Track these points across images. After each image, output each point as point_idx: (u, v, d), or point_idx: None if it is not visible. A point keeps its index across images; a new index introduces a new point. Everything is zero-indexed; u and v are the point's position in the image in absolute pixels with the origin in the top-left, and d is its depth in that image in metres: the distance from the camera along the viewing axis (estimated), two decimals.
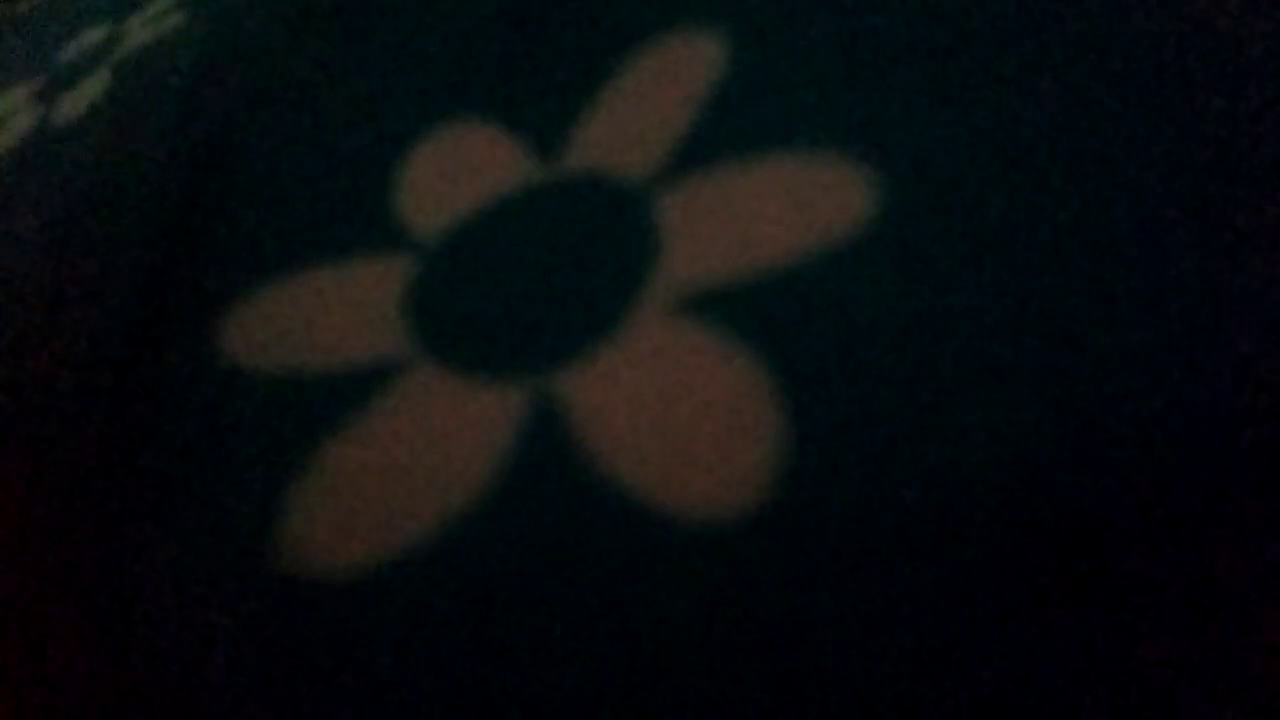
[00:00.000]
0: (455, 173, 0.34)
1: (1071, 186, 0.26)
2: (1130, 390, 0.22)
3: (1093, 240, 0.25)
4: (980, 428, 0.22)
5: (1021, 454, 0.22)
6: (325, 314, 0.32)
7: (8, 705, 0.26)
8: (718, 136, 0.31)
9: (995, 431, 0.22)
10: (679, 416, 0.25)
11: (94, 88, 0.53)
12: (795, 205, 0.28)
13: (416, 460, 0.27)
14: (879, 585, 0.21)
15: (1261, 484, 0.20)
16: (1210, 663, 0.18)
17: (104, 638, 0.27)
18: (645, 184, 0.31)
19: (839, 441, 0.23)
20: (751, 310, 0.26)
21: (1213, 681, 0.18)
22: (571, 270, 0.30)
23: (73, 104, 0.54)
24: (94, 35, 0.63)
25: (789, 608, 0.21)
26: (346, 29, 0.42)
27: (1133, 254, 0.24)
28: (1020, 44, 0.29)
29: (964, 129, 0.28)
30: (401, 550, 0.25)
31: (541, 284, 0.30)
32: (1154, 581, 0.19)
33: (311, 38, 0.42)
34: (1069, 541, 0.20)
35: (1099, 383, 0.22)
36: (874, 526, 0.22)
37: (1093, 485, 0.21)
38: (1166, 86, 0.27)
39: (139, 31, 0.57)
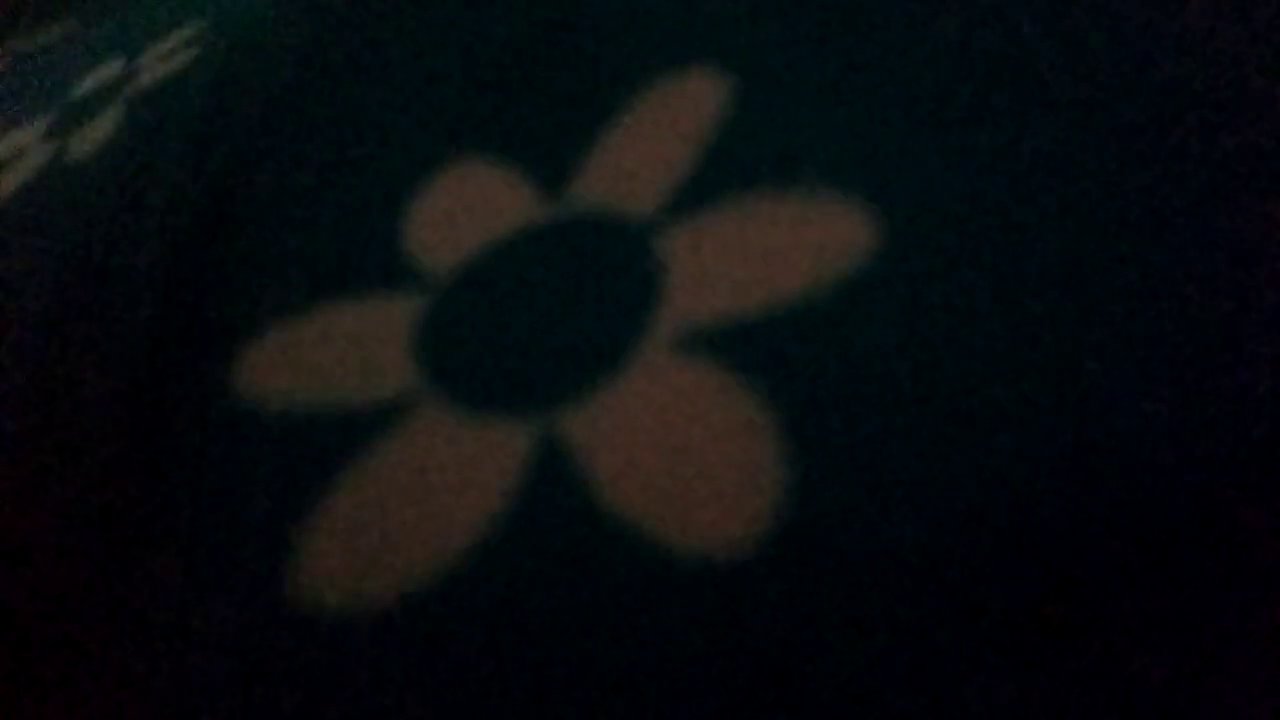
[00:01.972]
0: (463, 211, 0.34)
1: (1072, 223, 0.26)
2: (1133, 434, 0.22)
3: (1096, 277, 0.25)
4: (984, 466, 0.23)
5: (1026, 493, 0.22)
6: (336, 352, 0.32)
7: None
8: (722, 174, 0.31)
9: (999, 470, 0.22)
10: (683, 455, 0.25)
11: (106, 124, 0.54)
12: (798, 243, 0.28)
13: (425, 498, 0.27)
14: (882, 623, 0.21)
15: (1261, 519, 0.20)
16: (1209, 696, 0.18)
17: (115, 675, 0.27)
18: (650, 222, 0.31)
19: (842, 479, 0.24)
20: (755, 348, 0.27)
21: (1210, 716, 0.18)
22: (577, 308, 0.30)
23: (85, 140, 0.54)
24: (108, 71, 0.64)
25: (793, 645, 0.22)
26: (356, 67, 0.42)
27: (1136, 297, 0.24)
28: (1023, 82, 0.29)
29: (966, 167, 0.28)
30: (411, 588, 0.26)
31: (547, 322, 0.30)
32: (1161, 622, 0.20)
33: (322, 77, 0.43)
34: (1073, 581, 0.20)
35: (1102, 424, 0.22)
36: (878, 565, 0.22)
37: (1097, 525, 0.21)
38: (1167, 121, 0.27)
39: (151, 68, 0.58)
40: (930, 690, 0.20)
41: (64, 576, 0.30)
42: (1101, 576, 0.20)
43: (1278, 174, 0.25)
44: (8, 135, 0.64)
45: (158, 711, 0.25)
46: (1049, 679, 0.19)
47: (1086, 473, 0.22)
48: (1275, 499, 0.20)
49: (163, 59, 0.58)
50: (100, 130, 0.54)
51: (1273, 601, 0.19)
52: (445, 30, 0.42)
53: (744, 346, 0.27)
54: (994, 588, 0.21)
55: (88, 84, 0.63)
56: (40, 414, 0.36)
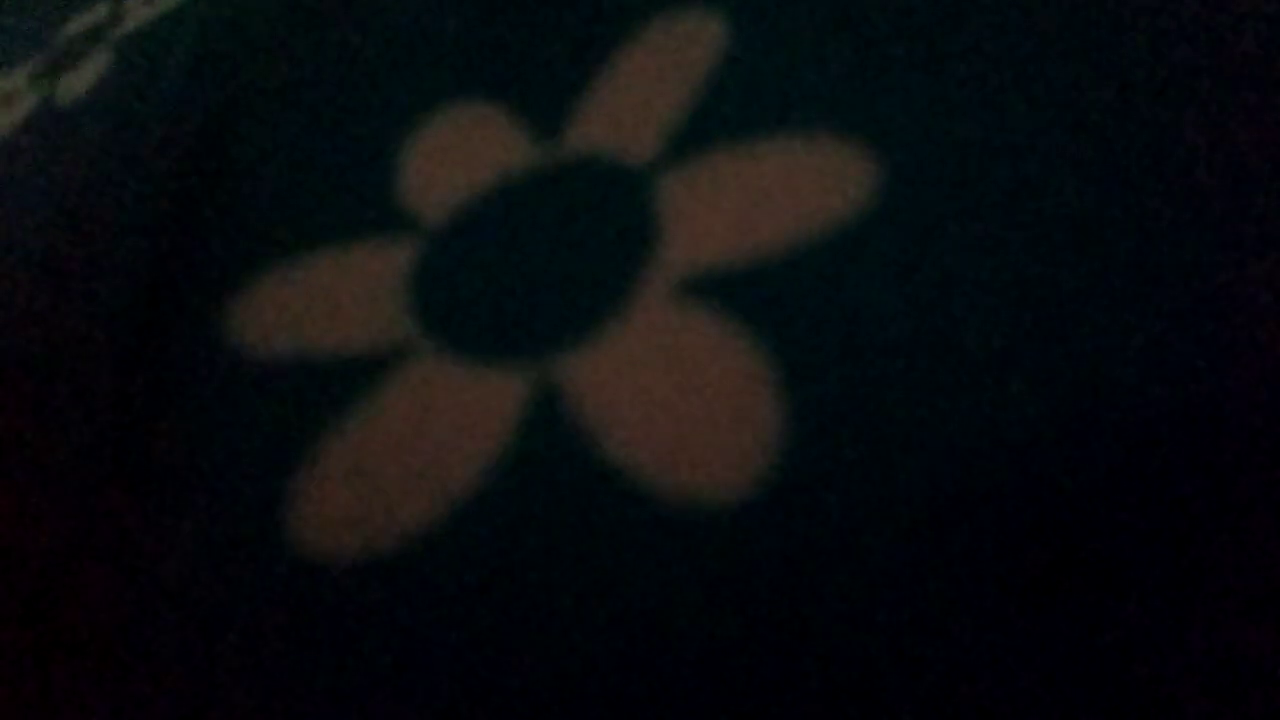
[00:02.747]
0: (457, 154, 0.34)
1: (1073, 170, 0.26)
2: (1132, 380, 0.22)
3: (1095, 226, 0.25)
4: (981, 414, 0.23)
5: (1022, 441, 0.22)
6: (330, 298, 0.32)
7: (23, 688, 0.27)
8: (718, 118, 0.31)
9: (996, 418, 0.22)
10: (680, 401, 0.25)
11: (95, 68, 0.53)
12: (796, 188, 0.28)
13: (422, 444, 0.27)
14: (877, 570, 0.21)
15: (1260, 479, 0.20)
16: (1205, 659, 0.18)
17: (114, 622, 0.27)
18: (646, 166, 0.31)
19: (838, 426, 0.24)
20: (753, 294, 0.26)
21: (1207, 679, 0.18)
22: (573, 253, 0.30)
23: (75, 84, 0.53)
24: (95, 14, 0.63)
25: (788, 591, 0.22)
26: (349, 9, 0.42)
27: (1135, 241, 0.24)
28: (1022, 25, 0.29)
29: (965, 110, 0.28)
30: (408, 533, 0.26)
31: (543, 267, 0.30)
32: (1152, 573, 0.20)
33: (313, 19, 0.42)
34: (1067, 531, 0.20)
35: (1101, 372, 0.22)
36: (873, 511, 0.22)
37: (1092, 475, 0.21)
38: (1170, 72, 0.27)
39: (141, 10, 0.57)
40: (925, 639, 0.20)
41: (58, 525, 0.30)
42: (1099, 529, 0.20)
43: None
44: None
45: (157, 658, 0.26)
46: (1044, 630, 0.19)
47: (1085, 424, 0.22)
48: (1276, 458, 0.20)
49: (150, 2, 0.57)
50: (88, 74, 0.53)
51: (1269, 557, 0.19)
52: None
53: (742, 292, 0.27)
54: (991, 538, 0.21)
55: (74, 27, 0.62)
56: (33, 360, 0.36)
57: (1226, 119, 0.25)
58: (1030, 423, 0.22)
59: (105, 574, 0.28)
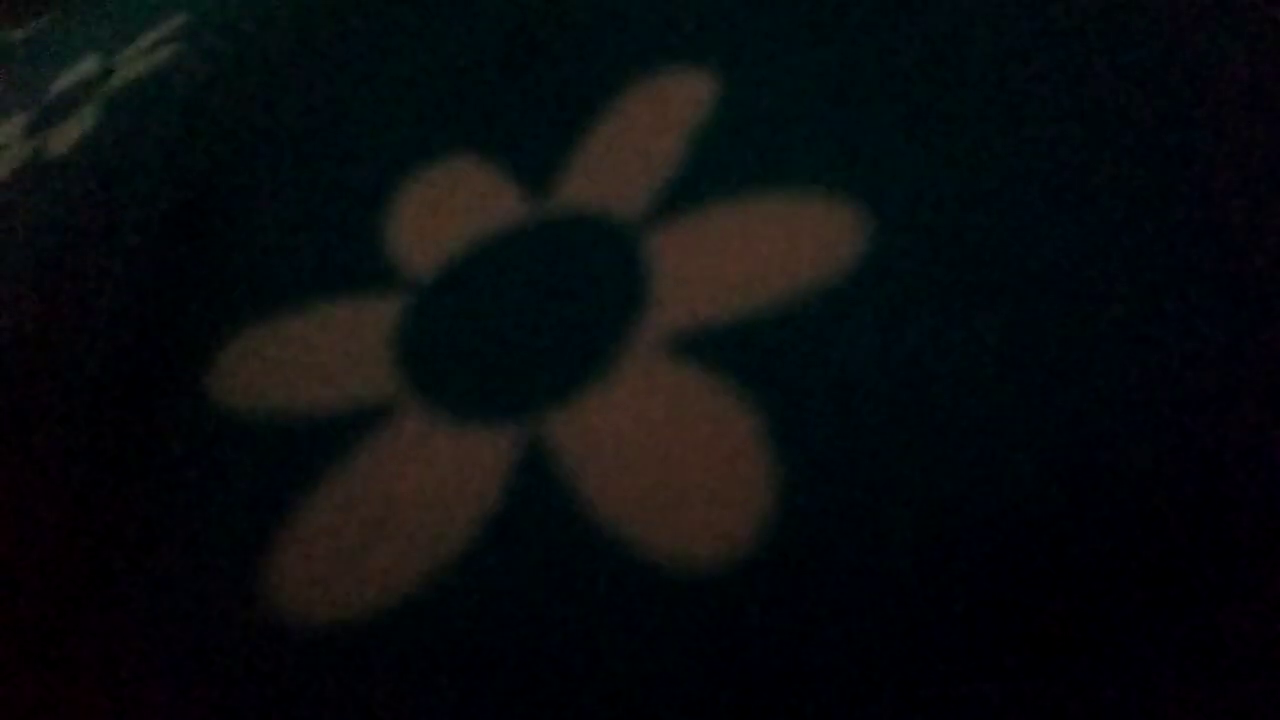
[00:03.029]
0: (446, 210, 0.34)
1: (1062, 226, 0.26)
2: (1124, 436, 0.22)
3: (1083, 281, 0.24)
4: (972, 472, 0.22)
5: (1013, 499, 0.22)
6: (316, 355, 0.31)
7: None
8: (708, 175, 0.31)
9: (987, 476, 0.22)
10: (669, 461, 0.25)
11: (85, 122, 0.53)
12: (785, 245, 0.28)
13: (406, 506, 0.27)
14: (869, 632, 0.21)
15: (1253, 529, 0.20)
16: (1203, 706, 0.18)
17: (88, 683, 0.26)
18: (635, 223, 0.30)
19: (829, 486, 0.23)
20: (742, 352, 0.26)
21: None
22: (561, 311, 0.29)
23: (64, 138, 0.54)
24: (86, 68, 0.63)
25: (779, 656, 0.21)
26: (338, 65, 0.42)
27: (1125, 297, 0.24)
28: (1011, 81, 0.29)
29: (955, 168, 0.28)
30: (390, 597, 0.25)
31: (531, 325, 0.29)
32: (1147, 628, 0.19)
33: (303, 74, 0.42)
34: (1060, 588, 0.20)
35: (1092, 428, 0.22)
36: (864, 573, 0.22)
37: (1085, 532, 0.21)
38: (1159, 125, 0.27)
39: (131, 65, 0.57)
40: (919, 700, 0.20)
41: (36, 585, 0.30)
42: (1091, 585, 0.20)
43: (1276, 174, 0.25)
44: None
45: (130, 715, 0.25)
46: (1039, 687, 0.19)
47: (1078, 480, 0.21)
48: (1271, 502, 0.20)
49: (140, 56, 0.57)
50: (78, 128, 0.53)
51: (1268, 609, 0.19)
52: (429, 28, 0.42)
53: (731, 350, 0.26)
54: (983, 596, 0.21)
55: (66, 81, 0.63)
56: (13, 414, 0.36)
57: (1218, 175, 0.25)
58: (1021, 480, 0.22)
59: (80, 634, 0.28)
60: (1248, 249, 0.24)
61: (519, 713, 0.22)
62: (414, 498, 0.27)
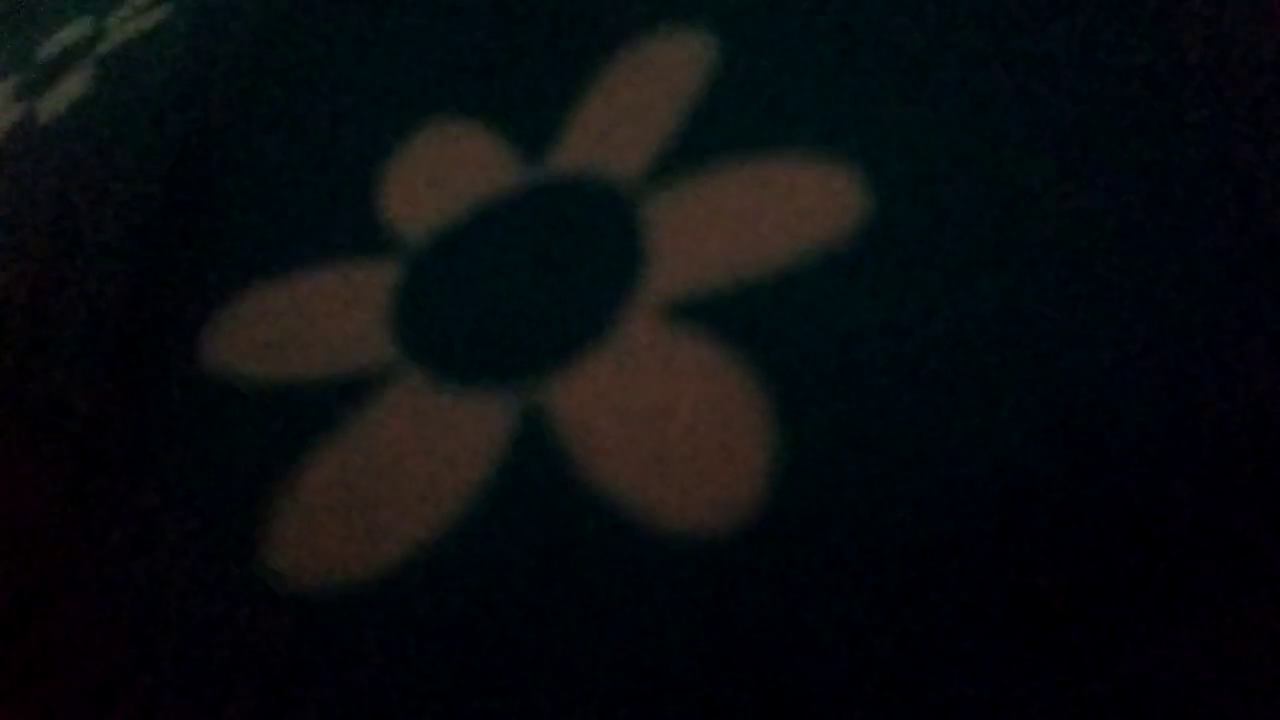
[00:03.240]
0: (441, 174, 0.34)
1: (1067, 189, 0.25)
2: (1132, 410, 0.22)
3: (1091, 249, 0.24)
4: (979, 440, 0.22)
5: (1017, 466, 0.22)
6: (310, 320, 0.31)
7: None
8: (707, 137, 0.30)
9: (994, 444, 0.22)
10: (669, 426, 0.25)
11: (76, 85, 0.53)
12: (786, 209, 0.28)
13: (403, 471, 0.27)
14: (871, 603, 0.21)
15: (1259, 502, 0.19)
16: (1205, 682, 0.18)
17: (85, 654, 0.26)
18: (634, 186, 0.30)
19: (831, 451, 0.23)
20: (741, 317, 0.26)
21: (1208, 702, 0.18)
22: (559, 275, 0.29)
23: (55, 101, 0.53)
24: (77, 30, 0.63)
25: (780, 621, 0.21)
26: (330, 28, 0.41)
27: (1133, 266, 0.24)
28: (1016, 44, 0.29)
29: (958, 132, 0.28)
30: (389, 563, 0.25)
31: (529, 289, 0.29)
32: (1152, 601, 0.19)
33: (295, 36, 0.42)
34: (1065, 565, 0.20)
35: (1100, 401, 0.22)
36: (866, 538, 0.22)
37: (1091, 507, 0.21)
38: (1164, 89, 0.26)
39: (122, 27, 0.57)
40: (919, 671, 0.20)
41: (29, 550, 0.30)
42: (1097, 563, 0.20)
43: None
44: None
45: (129, 687, 0.25)
46: (1042, 664, 0.19)
47: (1086, 451, 0.21)
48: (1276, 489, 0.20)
49: (132, 18, 0.57)
50: (70, 91, 0.53)
51: (1273, 596, 0.19)
52: None
53: (731, 315, 0.26)
54: (987, 568, 0.20)
55: (56, 43, 0.62)
56: (5, 379, 0.36)
57: (1228, 147, 0.25)
58: (1028, 450, 0.22)
59: (77, 603, 0.28)
60: (1259, 220, 0.23)
61: (517, 679, 0.22)
62: (411, 464, 0.27)
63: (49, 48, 0.62)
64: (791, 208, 0.28)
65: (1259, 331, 0.22)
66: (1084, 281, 0.24)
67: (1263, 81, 0.25)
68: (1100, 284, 0.24)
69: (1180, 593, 0.19)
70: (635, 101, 0.32)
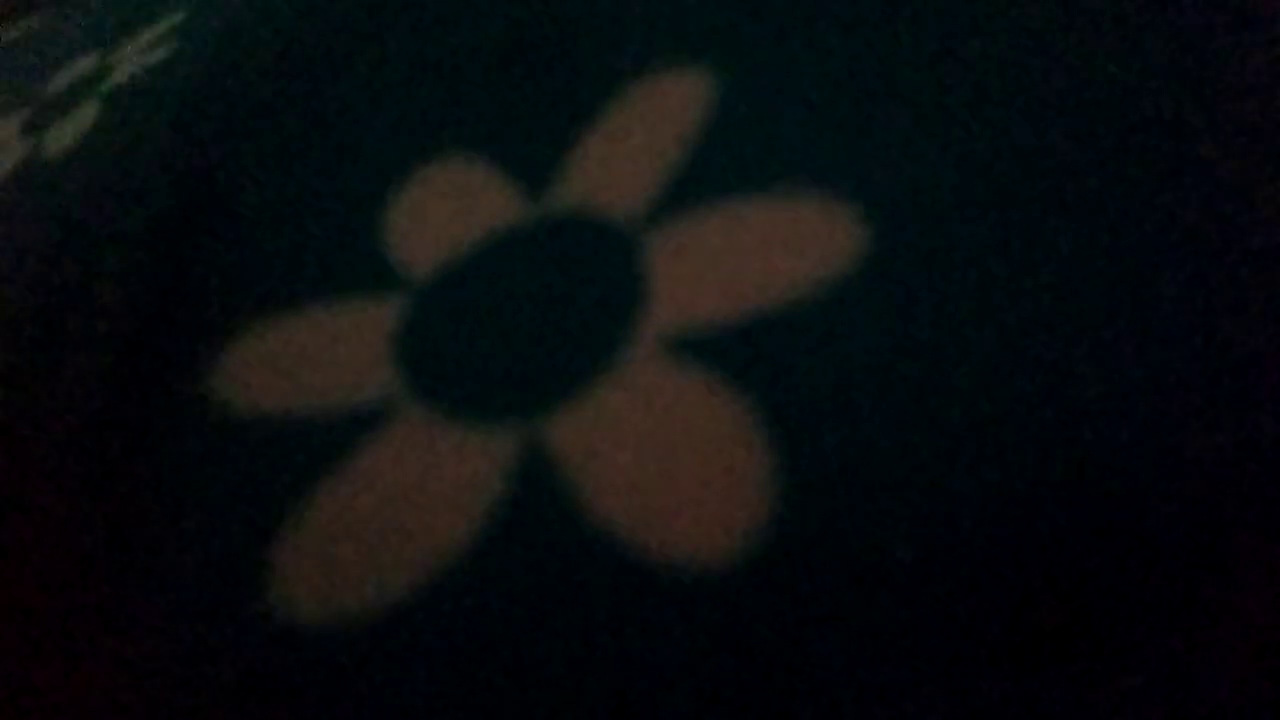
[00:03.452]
0: (445, 210, 0.34)
1: (1065, 227, 0.26)
2: (1130, 442, 0.22)
3: (1088, 282, 0.24)
4: (979, 474, 0.22)
5: (1017, 501, 0.22)
6: (314, 355, 0.31)
7: None
8: (708, 175, 0.31)
9: (994, 478, 0.22)
10: (671, 462, 0.25)
11: (83, 120, 0.53)
12: (786, 246, 0.28)
13: (406, 507, 0.27)
14: (876, 636, 0.21)
15: (1260, 540, 0.20)
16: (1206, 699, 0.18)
17: (86, 689, 0.26)
18: (635, 223, 0.30)
19: (832, 487, 0.23)
20: (742, 353, 0.26)
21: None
22: (561, 311, 0.29)
23: (62, 136, 0.53)
24: (84, 65, 0.63)
25: (783, 656, 0.21)
26: (336, 64, 0.42)
27: (1133, 301, 0.24)
28: (1014, 83, 0.29)
29: (956, 170, 0.28)
30: (392, 599, 0.25)
31: (531, 326, 0.29)
32: (1154, 636, 0.19)
33: (301, 73, 0.42)
34: (1065, 593, 0.20)
35: (1098, 433, 0.22)
36: (869, 574, 0.22)
37: (1090, 535, 0.21)
38: (1165, 127, 0.27)
39: (129, 62, 0.57)
40: (924, 705, 0.20)
41: (36, 584, 0.30)
42: (1098, 587, 0.20)
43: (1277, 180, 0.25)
44: None
45: (133, 717, 0.25)
46: (1045, 691, 0.19)
47: (1084, 484, 0.21)
48: (1275, 507, 0.20)
49: (139, 53, 0.57)
50: (77, 126, 0.53)
51: (1270, 609, 0.19)
52: (429, 26, 0.42)
53: (732, 351, 0.26)
54: (989, 600, 0.21)
55: (64, 78, 0.62)
56: (14, 416, 0.36)
57: (1225, 175, 0.25)
58: (1026, 483, 0.22)
59: (81, 636, 0.28)
60: (1258, 254, 0.24)
61: (520, 715, 0.22)
62: (414, 499, 0.27)
63: (55, 83, 0.63)
64: (792, 244, 0.28)
65: (1261, 361, 0.22)
66: (1087, 316, 0.24)
67: (1272, 119, 0.26)
68: (1103, 319, 0.24)
69: (1184, 623, 0.19)
70: (636, 138, 0.33)
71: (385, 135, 0.38)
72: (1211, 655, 0.18)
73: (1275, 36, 0.27)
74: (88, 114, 0.53)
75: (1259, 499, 0.20)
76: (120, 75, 0.56)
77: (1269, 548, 0.19)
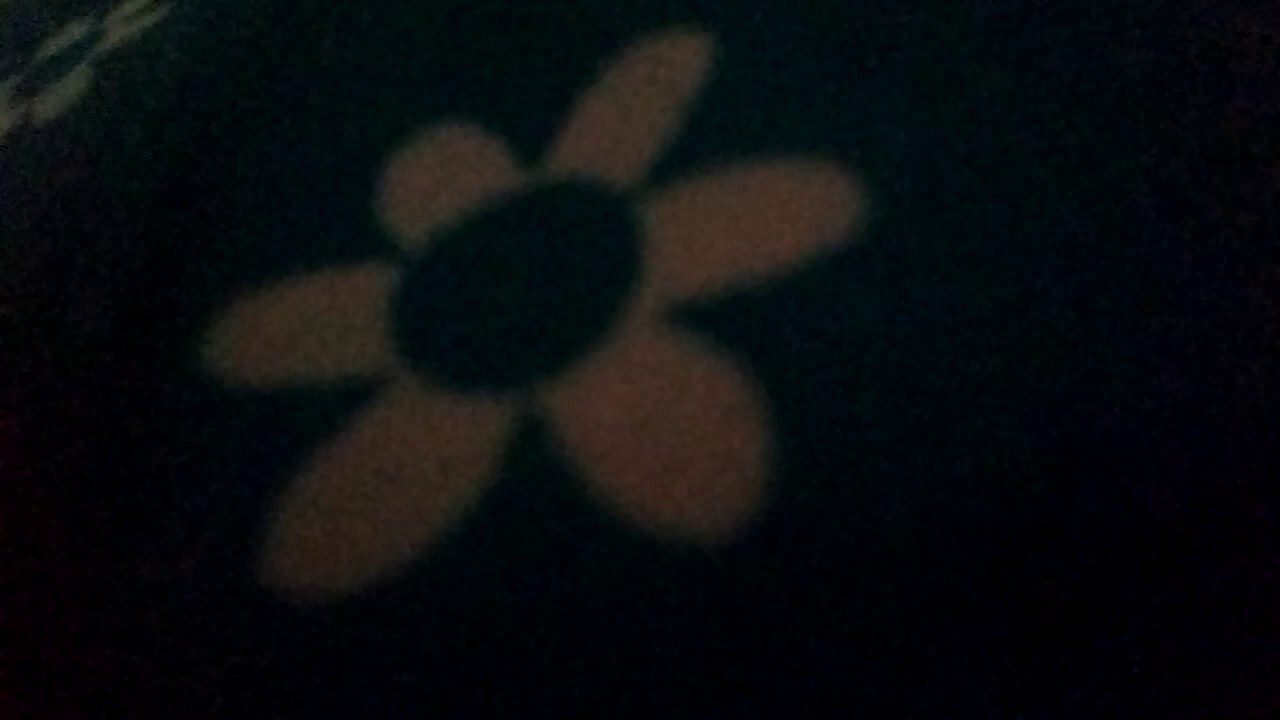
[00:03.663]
0: (439, 177, 0.33)
1: (1065, 195, 0.25)
2: (1128, 416, 0.22)
3: (1087, 252, 0.24)
4: (977, 447, 0.22)
5: (1016, 474, 0.21)
6: (308, 325, 0.31)
7: None
8: (705, 141, 0.30)
9: (992, 451, 0.22)
10: (667, 431, 0.25)
11: (75, 85, 0.53)
12: (784, 213, 0.28)
13: (402, 477, 0.26)
14: (871, 609, 0.21)
15: (1257, 513, 0.19)
16: (1200, 695, 0.18)
17: (87, 657, 0.26)
18: (631, 189, 0.30)
19: (829, 457, 0.23)
20: (740, 322, 0.26)
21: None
22: (557, 279, 0.29)
23: (53, 102, 0.53)
24: (75, 30, 0.62)
25: (779, 627, 0.21)
26: (328, 29, 0.41)
27: (1131, 273, 0.24)
28: (1014, 49, 0.29)
29: (955, 135, 0.27)
30: (388, 569, 0.25)
31: (527, 294, 0.29)
32: (1147, 610, 0.19)
33: (293, 38, 0.42)
34: (1061, 567, 0.20)
35: (1095, 402, 0.22)
36: (865, 545, 0.22)
37: (1087, 509, 0.21)
38: (1161, 94, 0.26)
39: (120, 27, 0.57)
40: (918, 678, 0.20)
41: (28, 557, 0.30)
42: (1094, 568, 0.20)
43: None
44: None
45: (126, 693, 0.25)
46: (1039, 671, 0.19)
47: (1079, 456, 0.21)
48: (1273, 500, 0.20)
49: (130, 19, 0.57)
50: (68, 92, 0.53)
51: (1268, 605, 0.19)
52: None
53: (729, 320, 0.26)
54: (985, 575, 0.20)
55: (54, 45, 0.62)
56: (4, 387, 0.36)
57: (1229, 156, 0.25)
58: (1026, 457, 0.22)
59: (74, 607, 0.28)
60: (1263, 232, 0.23)
61: (519, 686, 0.22)
62: (409, 469, 0.27)
63: (47, 48, 0.62)
64: (790, 211, 0.28)
65: (1259, 341, 0.22)
66: (1084, 287, 0.24)
67: (1269, 88, 0.25)
68: (1100, 290, 0.23)
69: (1177, 598, 0.19)
70: (633, 104, 0.32)
71: (377, 102, 0.37)
72: (1208, 638, 0.18)
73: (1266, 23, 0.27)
74: (79, 80, 0.53)
75: (1258, 483, 0.20)
76: (112, 41, 0.55)
77: (1264, 534, 0.19)
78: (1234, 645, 0.18)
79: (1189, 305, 0.22)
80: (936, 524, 0.21)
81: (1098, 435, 0.21)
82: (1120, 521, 0.20)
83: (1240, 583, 0.19)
